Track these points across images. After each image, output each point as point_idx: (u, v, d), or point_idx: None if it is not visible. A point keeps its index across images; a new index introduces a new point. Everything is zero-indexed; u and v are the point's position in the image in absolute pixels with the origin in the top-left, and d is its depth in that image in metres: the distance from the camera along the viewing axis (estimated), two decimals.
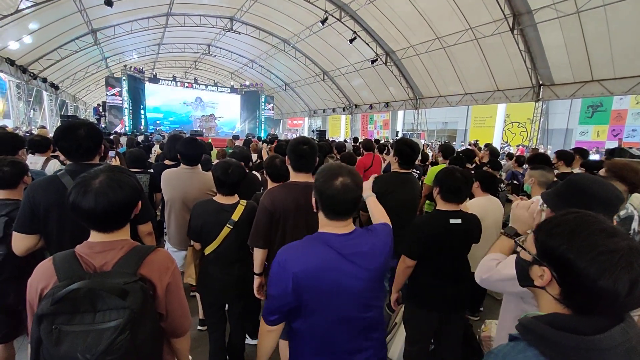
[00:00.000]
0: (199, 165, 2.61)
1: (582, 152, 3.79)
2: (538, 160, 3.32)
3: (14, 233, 1.50)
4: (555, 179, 2.19)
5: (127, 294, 0.88)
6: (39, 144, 3.07)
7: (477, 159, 5.44)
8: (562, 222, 0.70)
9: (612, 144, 12.09)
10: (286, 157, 1.89)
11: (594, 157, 8.88)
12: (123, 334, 0.85)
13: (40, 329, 0.84)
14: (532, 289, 0.77)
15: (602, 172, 2.13)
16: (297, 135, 19.72)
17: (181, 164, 2.58)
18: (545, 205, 1.23)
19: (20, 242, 1.50)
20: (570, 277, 0.65)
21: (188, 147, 2.50)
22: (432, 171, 3.59)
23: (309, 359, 1.19)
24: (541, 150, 9.94)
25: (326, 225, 1.18)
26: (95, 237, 1.03)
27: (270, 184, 2.33)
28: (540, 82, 10.97)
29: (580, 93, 10.14)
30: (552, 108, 15.66)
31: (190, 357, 1.27)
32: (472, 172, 3.62)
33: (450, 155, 4.23)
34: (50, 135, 5.75)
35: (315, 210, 1.22)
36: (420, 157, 5.39)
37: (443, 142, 11.11)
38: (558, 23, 8.86)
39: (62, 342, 0.82)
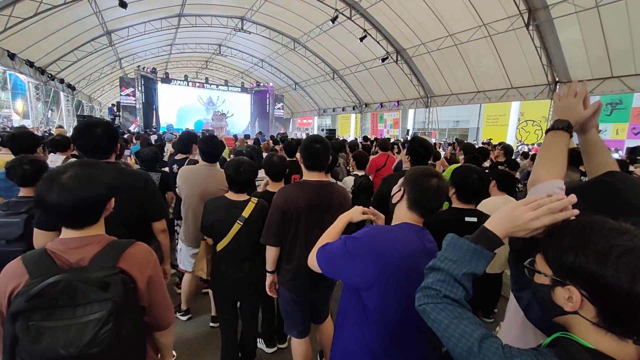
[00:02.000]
0: (217, 162, 2.66)
1: None
2: (570, 157, 3.16)
3: (35, 230, 1.54)
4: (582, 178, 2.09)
5: (108, 285, 0.87)
6: (59, 143, 3.17)
7: (492, 156, 5.33)
8: (566, 232, 0.63)
9: (632, 143, 11.65)
10: (299, 155, 1.89)
11: (614, 156, 8.57)
12: (107, 326, 0.84)
13: (15, 327, 0.82)
14: (565, 320, 0.65)
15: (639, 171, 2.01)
16: (307, 134, 19.75)
17: (200, 161, 2.64)
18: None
19: (41, 239, 1.53)
20: (601, 292, 0.57)
21: (209, 145, 2.57)
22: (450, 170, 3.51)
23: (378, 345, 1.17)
24: None
25: (407, 216, 1.23)
26: (67, 233, 1.00)
27: (272, 184, 2.35)
28: (557, 79, 10.67)
29: (599, 90, 9.82)
30: None
31: (174, 352, 1.27)
32: (487, 170, 3.54)
33: (470, 153, 4.19)
34: (69, 134, 5.91)
35: (397, 200, 1.25)
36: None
37: (456, 139, 10.93)
38: (576, 18, 8.60)
39: (41, 339, 0.81)
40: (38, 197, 0.93)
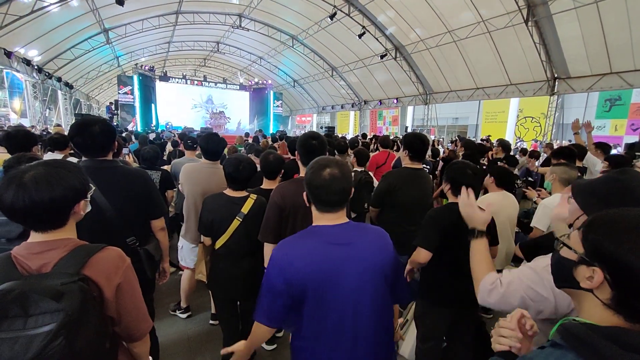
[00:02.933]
0: (219, 160, 2.65)
1: (603, 147, 3.60)
2: (564, 154, 3.17)
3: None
4: (579, 174, 2.11)
5: (61, 295, 0.79)
6: (57, 142, 3.17)
7: (489, 153, 5.34)
8: (619, 220, 0.64)
9: (631, 139, 11.66)
10: (296, 152, 1.90)
11: (612, 152, 8.57)
12: (56, 340, 0.76)
13: None
14: (573, 291, 0.71)
15: None
16: (306, 131, 19.67)
17: (202, 159, 2.66)
18: (572, 199, 1.12)
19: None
20: (630, 282, 0.59)
21: (210, 143, 2.55)
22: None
23: None
24: (555, 146, 9.69)
25: (319, 219, 1.19)
26: (33, 236, 0.95)
27: (265, 182, 2.35)
28: (556, 76, 10.67)
29: (598, 86, 9.82)
30: (567, 102, 15.20)
31: (150, 357, 1.19)
32: (485, 167, 3.54)
33: (471, 149, 4.22)
34: (66, 132, 5.88)
35: (307, 204, 1.22)
36: (430, 152, 5.33)
37: (458, 136, 10.94)
38: (575, 13, 8.58)
39: None
40: None
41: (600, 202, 1.01)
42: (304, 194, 1.21)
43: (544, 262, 1.07)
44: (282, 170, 2.40)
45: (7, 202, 0.86)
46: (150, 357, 1.20)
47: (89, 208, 1.04)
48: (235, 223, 1.96)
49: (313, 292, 1.10)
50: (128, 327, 1.02)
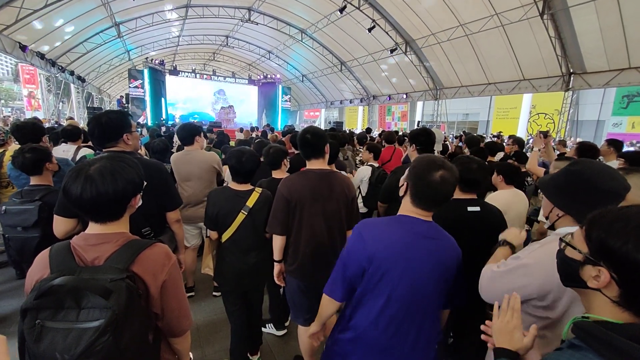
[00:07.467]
0: (196, 145, 2.93)
1: (615, 144, 3.47)
2: (583, 150, 3.08)
3: (55, 216, 1.56)
4: None
5: (110, 293, 0.83)
6: (70, 133, 3.25)
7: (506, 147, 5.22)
8: (622, 217, 0.62)
9: None
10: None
11: (629, 149, 8.33)
12: (104, 336, 0.79)
13: (23, 323, 0.81)
14: (581, 290, 0.70)
15: None
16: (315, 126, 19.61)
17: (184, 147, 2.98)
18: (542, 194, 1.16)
19: (60, 225, 1.57)
20: (638, 279, 0.59)
21: (181, 131, 2.94)
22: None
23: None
24: (569, 143, 9.45)
25: (409, 211, 1.25)
26: (91, 228, 0.99)
27: (274, 172, 2.47)
28: (571, 71, 10.38)
29: (616, 82, 9.53)
30: (583, 98, 14.83)
31: (190, 355, 1.21)
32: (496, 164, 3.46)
33: (475, 146, 4.11)
34: (81, 125, 6.00)
35: (402, 194, 1.27)
36: (441, 148, 5.25)
37: (463, 131, 10.76)
38: (593, 6, 8.31)
39: (42, 339, 0.79)
40: (64, 186, 0.93)
41: (563, 194, 1.06)
42: (404, 183, 1.26)
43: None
44: (286, 159, 2.48)
45: (75, 193, 0.91)
46: (190, 354, 1.22)
47: (140, 202, 1.07)
48: (241, 217, 1.97)
49: (384, 278, 1.17)
50: (170, 323, 1.04)
